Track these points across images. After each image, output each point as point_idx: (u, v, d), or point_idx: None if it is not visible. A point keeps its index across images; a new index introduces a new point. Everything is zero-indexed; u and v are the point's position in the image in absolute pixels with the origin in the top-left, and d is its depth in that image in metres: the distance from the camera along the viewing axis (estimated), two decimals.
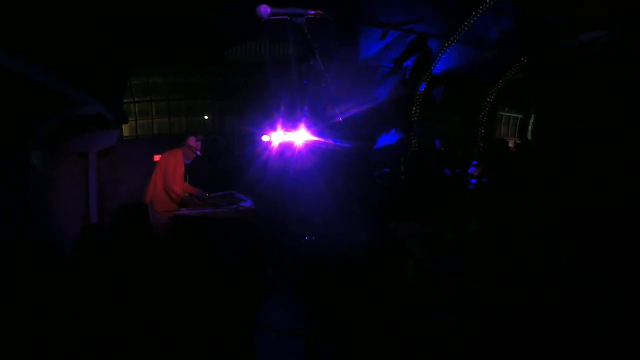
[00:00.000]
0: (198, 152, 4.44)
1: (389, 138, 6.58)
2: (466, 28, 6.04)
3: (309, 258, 3.65)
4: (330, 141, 5.79)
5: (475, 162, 4.98)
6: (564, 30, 3.77)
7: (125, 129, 7.43)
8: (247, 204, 3.98)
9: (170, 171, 4.24)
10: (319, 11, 1.88)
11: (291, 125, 5.57)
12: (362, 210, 4.34)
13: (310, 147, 5.39)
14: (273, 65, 6.99)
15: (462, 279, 2.21)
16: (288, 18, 1.84)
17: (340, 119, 6.29)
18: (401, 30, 6.33)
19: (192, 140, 4.42)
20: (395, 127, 6.95)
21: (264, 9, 1.75)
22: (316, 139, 5.56)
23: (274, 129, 5.91)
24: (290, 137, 5.32)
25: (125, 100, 7.59)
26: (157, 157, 4.73)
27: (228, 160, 6.18)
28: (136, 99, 7.68)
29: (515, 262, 2.13)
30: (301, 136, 5.31)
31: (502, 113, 10.20)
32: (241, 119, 7.36)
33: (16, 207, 4.43)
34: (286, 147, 5.43)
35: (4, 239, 4.08)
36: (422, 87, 6.60)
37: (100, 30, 5.52)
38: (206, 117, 7.83)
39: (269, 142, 5.95)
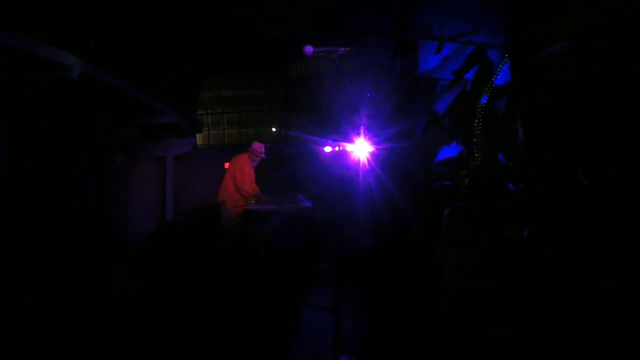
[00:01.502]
0: (262, 155, 4.89)
1: (449, 151, 6.54)
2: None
3: (355, 252, 3.99)
4: (388, 152, 5.91)
5: None
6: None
7: (199, 138, 8.08)
8: (307, 204, 4.31)
9: (238, 173, 4.77)
10: (347, 48, 2.41)
11: (351, 136, 5.78)
12: (417, 221, 4.41)
13: (369, 158, 5.55)
14: (334, 79, 7.27)
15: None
16: (324, 54, 2.38)
17: (399, 130, 6.40)
18: (459, 42, 6.32)
19: (255, 145, 4.86)
20: (456, 139, 6.90)
21: (308, 49, 2.33)
22: (375, 149, 5.72)
23: (335, 140, 6.16)
24: (350, 147, 5.54)
25: (199, 112, 8.29)
26: (227, 165, 5.23)
27: (291, 168, 6.52)
28: (209, 111, 8.36)
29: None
30: (361, 147, 5.50)
31: None
32: (305, 131, 7.72)
33: (96, 202, 5.03)
34: (346, 157, 5.64)
35: (88, 227, 4.67)
36: (484, 100, 6.50)
37: (176, 48, 6.14)
38: (273, 129, 8.31)
39: (330, 152, 6.21)
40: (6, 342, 2.57)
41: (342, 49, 2.48)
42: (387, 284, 3.57)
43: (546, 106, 3.12)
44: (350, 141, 5.73)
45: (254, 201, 4.60)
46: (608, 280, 1.92)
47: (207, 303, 3.06)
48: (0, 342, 2.57)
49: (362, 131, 6.08)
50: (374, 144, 5.88)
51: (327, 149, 6.01)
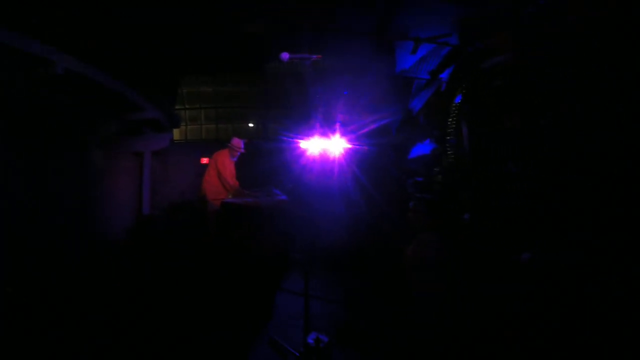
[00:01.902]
0: (242, 150, 5.07)
1: (423, 148, 6.73)
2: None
3: (329, 245, 4.19)
4: (364, 148, 6.05)
5: None
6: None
7: (177, 133, 8.06)
8: (282, 197, 4.46)
9: (220, 167, 5.00)
10: (319, 56, 2.76)
11: (327, 133, 5.89)
12: (391, 215, 4.58)
13: (345, 154, 5.68)
14: (311, 76, 7.36)
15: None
16: (299, 60, 2.69)
17: (375, 127, 6.55)
18: (435, 43, 6.52)
19: (235, 141, 5.04)
20: (430, 137, 7.10)
21: (284, 55, 2.62)
22: (350, 146, 5.85)
23: (311, 136, 6.26)
24: (326, 144, 5.65)
25: (178, 107, 8.26)
26: (203, 160, 5.32)
27: (269, 163, 6.61)
28: (187, 106, 8.33)
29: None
30: (337, 144, 5.62)
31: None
32: (282, 127, 7.81)
33: (76, 196, 5.00)
34: (321, 153, 5.75)
35: (64, 221, 4.63)
36: (457, 99, 6.71)
37: (157, 43, 6.13)
38: (250, 125, 8.35)
39: (307, 149, 6.31)
40: None
41: (315, 56, 2.80)
42: (356, 272, 3.81)
43: (487, 108, 3.40)
44: (327, 138, 5.85)
45: (231, 195, 4.73)
46: (528, 254, 2.20)
47: (190, 289, 3.22)
48: None
49: (338, 128, 6.22)
50: (350, 140, 6.01)
51: (304, 145, 6.08)
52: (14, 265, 3.54)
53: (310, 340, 2.56)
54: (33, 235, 3.83)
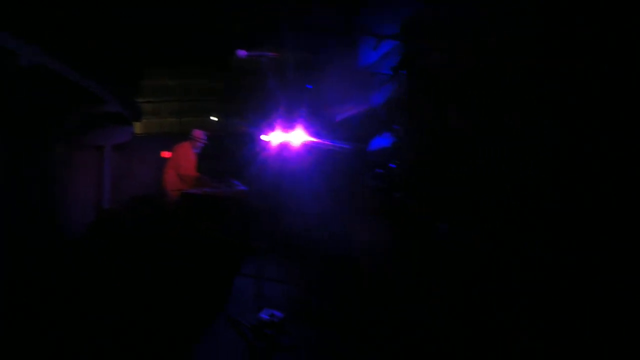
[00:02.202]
0: (204, 142, 5.09)
1: (383, 141, 6.93)
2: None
3: (289, 234, 4.39)
4: (326, 141, 6.19)
5: None
6: None
7: (139, 127, 7.91)
8: (242, 188, 4.55)
9: (182, 160, 4.98)
10: (276, 54, 2.74)
11: (290, 126, 6.00)
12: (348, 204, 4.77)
13: (307, 147, 5.81)
14: (275, 70, 7.44)
15: None
16: (256, 58, 2.78)
17: (337, 120, 6.70)
18: (397, 40, 6.73)
19: (197, 132, 5.06)
20: (390, 131, 7.32)
21: (242, 52, 2.88)
22: (312, 139, 5.98)
23: (276, 130, 6.35)
24: (288, 137, 5.76)
25: (140, 100, 8.11)
26: (165, 154, 5.29)
27: (232, 157, 6.65)
28: (150, 99, 8.20)
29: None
30: (300, 137, 5.74)
31: None
32: (244, 120, 7.83)
33: (36, 192, 4.90)
34: (284, 146, 5.86)
35: (22, 218, 4.55)
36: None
37: (119, 34, 6.04)
38: (214, 118, 8.31)
39: (269, 142, 6.40)
40: None
41: (271, 54, 3.04)
42: (312, 258, 4.00)
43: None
44: (291, 131, 5.96)
45: (192, 186, 4.75)
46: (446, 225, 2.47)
47: (150, 280, 3.30)
48: None
49: (302, 122, 6.33)
50: (313, 134, 6.15)
51: (268, 138, 6.16)
52: None
53: (264, 316, 2.74)
54: None
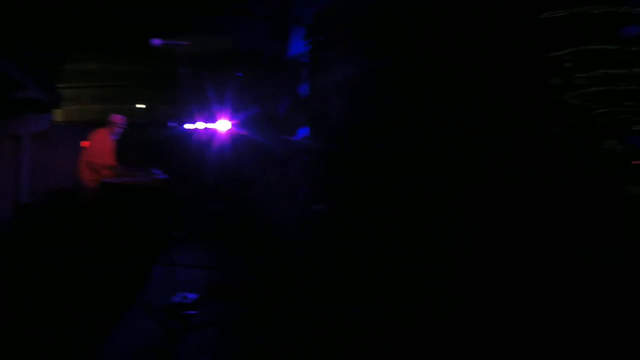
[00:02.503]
0: (123, 127, 4.91)
1: (306, 132, 7.26)
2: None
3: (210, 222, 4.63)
4: (250, 132, 6.40)
5: None
6: None
7: (59, 115, 7.56)
8: (163, 177, 4.61)
9: (98, 147, 4.70)
10: (188, 42, 2.93)
11: (219, 116, 6.12)
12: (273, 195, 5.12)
13: (235, 136, 5.98)
14: (206, 58, 7.44)
15: None
16: (170, 46, 2.88)
17: (262, 111, 6.91)
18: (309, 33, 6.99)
19: (115, 117, 4.86)
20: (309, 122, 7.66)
21: (156, 41, 2.79)
22: (241, 128, 6.16)
23: (203, 119, 6.43)
24: (216, 126, 5.89)
25: (61, 85, 7.72)
26: (85, 143, 5.10)
27: (157, 145, 6.63)
28: (71, 84, 7.81)
29: None
30: (227, 126, 5.89)
31: None
32: (173, 109, 7.77)
33: None
34: (213, 135, 5.98)
35: None
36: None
37: (39, 14, 5.72)
38: (140, 106, 8.11)
39: (198, 131, 6.47)
40: None
41: (184, 42, 2.97)
42: (233, 242, 4.31)
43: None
44: (218, 121, 6.09)
45: (110, 175, 4.68)
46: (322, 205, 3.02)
47: (71, 271, 3.41)
48: None
49: (230, 111, 6.49)
50: (240, 123, 6.33)
51: (195, 127, 6.22)
52: None
53: (177, 299, 2.97)
54: None
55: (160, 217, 4.10)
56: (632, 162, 10.09)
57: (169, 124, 6.72)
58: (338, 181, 3.05)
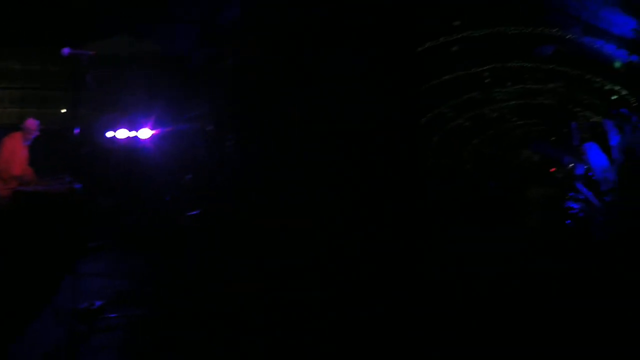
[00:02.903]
0: (36, 133, 4.78)
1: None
2: None
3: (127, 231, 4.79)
4: (178, 135, 6.49)
5: None
6: None
7: None
8: (76, 186, 4.61)
9: (8, 153, 4.55)
10: (93, 52, 3.07)
11: (145, 121, 6.15)
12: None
13: (160, 141, 6.05)
14: (135, 61, 7.39)
15: None
16: (78, 56, 3.00)
17: (193, 113, 7.02)
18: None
19: (29, 122, 4.74)
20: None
21: (65, 50, 2.91)
22: (166, 133, 6.23)
23: (129, 125, 6.43)
24: (141, 132, 5.94)
25: None
26: None
27: (78, 152, 6.50)
28: None
29: None
30: (152, 131, 5.95)
31: None
32: (99, 114, 7.60)
33: None
34: (137, 141, 6.01)
35: None
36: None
37: None
38: (63, 110, 7.78)
39: (123, 137, 6.46)
40: None
41: (90, 53, 3.09)
42: (142, 251, 4.44)
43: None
44: (144, 126, 6.12)
45: (19, 183, 4.58)
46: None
47: None
48: None
49: (156, 116, 6.55)
50: (166, 127, 6.41)
51: (120, 133, 6.20)
52: None
53: (84, 305, 3.14)
54: None
55: (75, 227, 4.09)
56: (550, 170, 11.14)
57: (94, 129, 6.59)
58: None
